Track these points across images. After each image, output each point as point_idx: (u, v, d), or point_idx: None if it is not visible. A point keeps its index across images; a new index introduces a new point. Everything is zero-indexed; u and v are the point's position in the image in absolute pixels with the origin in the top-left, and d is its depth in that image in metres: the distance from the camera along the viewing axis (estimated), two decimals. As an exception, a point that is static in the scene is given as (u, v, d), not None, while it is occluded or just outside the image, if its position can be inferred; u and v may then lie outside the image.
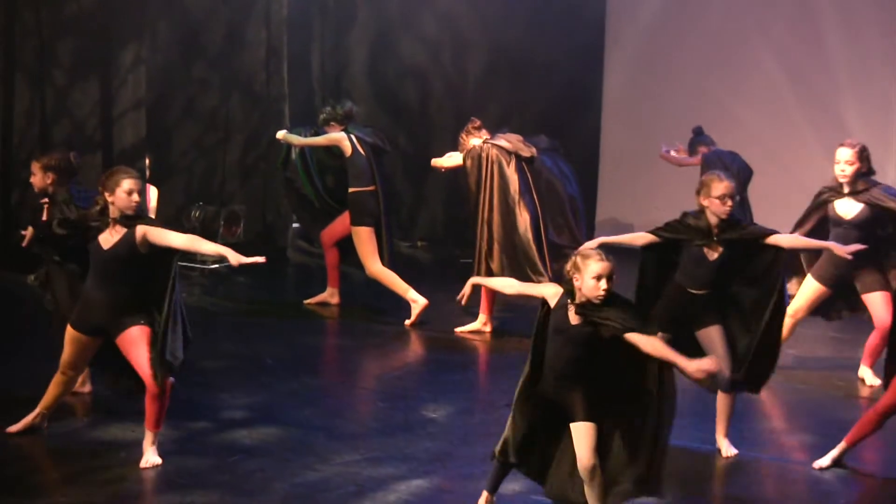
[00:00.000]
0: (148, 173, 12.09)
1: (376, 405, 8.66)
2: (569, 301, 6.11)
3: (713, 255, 7.40)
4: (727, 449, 7.56)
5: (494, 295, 10.45)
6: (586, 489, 6.18)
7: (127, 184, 7.09)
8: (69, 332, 7.29)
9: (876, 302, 9.00)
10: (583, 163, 12.89)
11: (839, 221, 8.97)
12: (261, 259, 7.00)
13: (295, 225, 13.83)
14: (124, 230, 7.09)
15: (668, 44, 13.99)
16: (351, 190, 10.75)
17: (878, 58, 12.76)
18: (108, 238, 7.10)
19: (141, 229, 7.08)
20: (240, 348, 9.78)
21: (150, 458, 7.10)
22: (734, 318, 7.48)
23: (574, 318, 6.11)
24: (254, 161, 13.58)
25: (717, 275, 7.40)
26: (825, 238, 8.79)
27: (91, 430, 7.72)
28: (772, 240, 7.41)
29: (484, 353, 10.13)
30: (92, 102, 12.22)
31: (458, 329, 10.45)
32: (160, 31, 13.00)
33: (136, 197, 7.10)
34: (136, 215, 7.14)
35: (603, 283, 6.01)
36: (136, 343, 7.08)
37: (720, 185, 7.40)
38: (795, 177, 12.86)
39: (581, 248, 6.26)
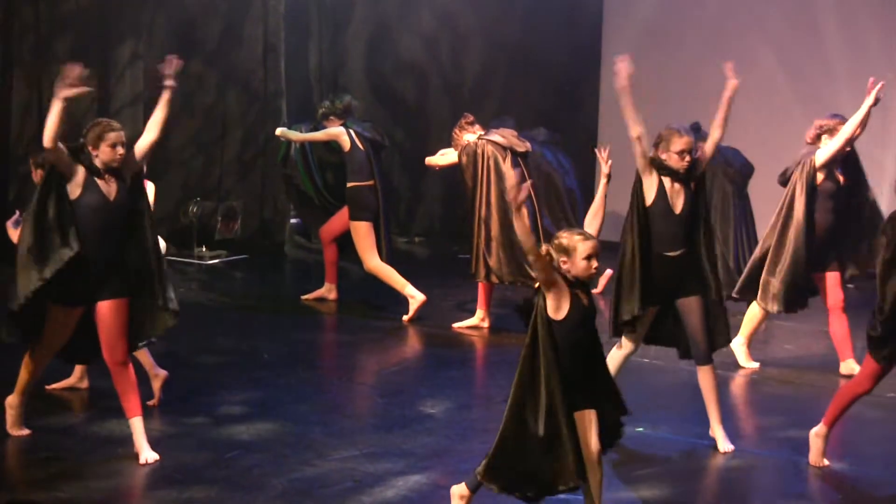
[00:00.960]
0: (145, 169, 12.07)
1: (374, 401, 8.67)
2: (573, 287, 6.06)
3: (678, 208, 7.43)
4: (724, 444, 7.56)
5: (492, 291, 10.45)
6: (593, 477, 6.05)
7: (111, 137, 7.13)
8: (51, 309, 7.17)
9: (829, 282, 9.07)
10: (580, 157, 12.87)
11: (837, 188, 9.03)
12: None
13: (293, 221, 13.84)
14: (114, 178, 7.16)
15: (666, 39, 13.98)
16: (349, 185, 10.75)
17: (876, 54, 12.74)
18: (109, 189, 7.13)
19: (125, 168, 7.22)
20: (237, 344, 9.79)
21: (149, 454, 7.10)
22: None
23: (585, 299, 6.09)
24: (251, 157, 13.57)
25: (686, 229, 7.43)
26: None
27: (88, 425, 7.73)
28: (701, 153, 7.62)
29: (482, 349, 10.13)
30: (89, 98, 12.18)
31: (455, 325, 10.45)
32: (157, 28, 12.99)
33: (120, 150, 7.15)
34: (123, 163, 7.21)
35: (594, 262, 6.03)
36: (110, 315, 7.09)
37: (680, 141, 7.47)
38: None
39: (559, 233, 6.20)
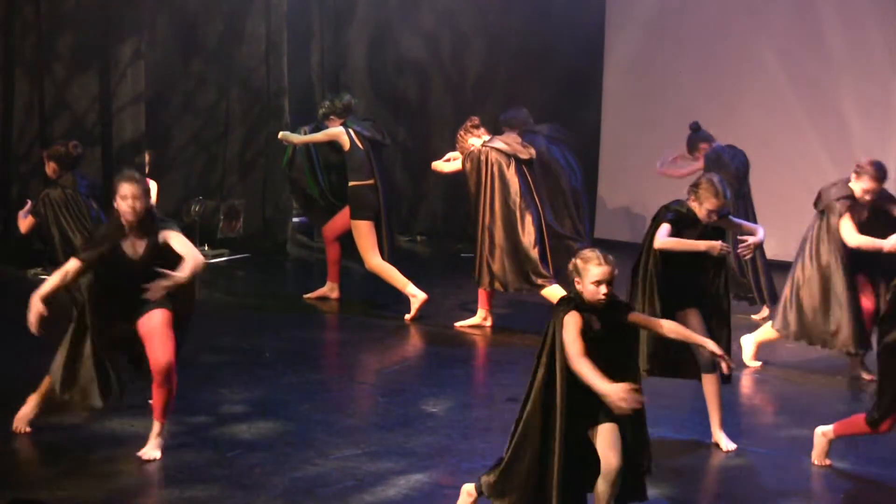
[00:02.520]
0: (147, 168, 12.10)
1: (376, 400, 8.66)
2: (579, 309, 5.98)
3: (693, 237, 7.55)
4: (726, 443, 7.57)
5: (493, 294, 10.44)
6: (607, 491, 6.00)
7: (123, 189, 7.02)
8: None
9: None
10: (583, 155, 12.89)
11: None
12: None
13: (295, 219, 13.84)
14: (146, 238, 7.08)
15: (668, 37, 13.98)
16: (350, 184, 10.76)
17: (877, 53, 12.74)
18: (133, 248, 7.08)
19: (163, 235, 7.09)
20: (239, 343, 9.79)
21: (150, 451, 7.10)
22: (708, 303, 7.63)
23: (596, 324, 6.01)
24: (253, 156, 13.57)
25: (694, 256, 7.49)
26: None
27: (90, 424, 7.72)
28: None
29: (484, 348, 10.13)
30: (91, 97, 12.22)
31: (457, 324, 10.45)
32: (159, 26, 13.00)
33: (131, 202, 6.99)
34: (152, 220, 7.10)
35: (603, 288, 5.95)
36: (157, 327, 7.09)
37: (714, 201, 7.49)
38: (795, 170, 12.87)
39: (582, 251, 6.19)
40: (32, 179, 11.74)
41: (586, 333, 5.94)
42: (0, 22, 11.97)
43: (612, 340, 6.04)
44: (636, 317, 6.16)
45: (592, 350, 5.92)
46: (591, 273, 5.97)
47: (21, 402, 7.56)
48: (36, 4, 11.97)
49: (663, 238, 7.47)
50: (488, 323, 10.42)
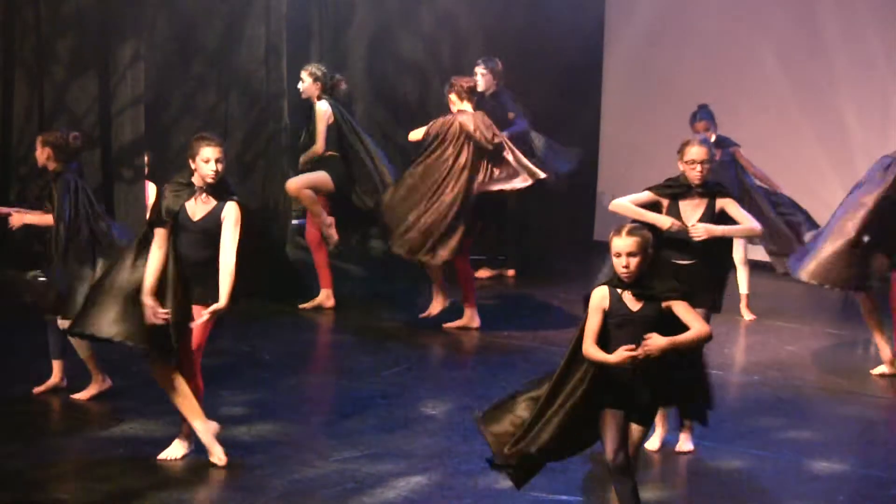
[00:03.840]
0: (147, 170, 12.10)
1: (375, 402, 8.66)
2: (619, 289, 5.85)
3: (691, 222, 7.33)
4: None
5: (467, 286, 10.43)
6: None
7: (206, 152, 7.06)
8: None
9: None
10: (582, 157, 12.89)
11: None
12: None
13: (294, 221, 13.83)
14: (213, 203, 7.18)
15: (668, 38, 13.98)
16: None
17: (877, 58, 12.74)
18: (195, 209, 7.16)
19: (229, 208, 7.24)
20: (238, 345, 9.77)
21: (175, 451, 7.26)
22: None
23: (634, 304, 5.84)
24: (253, 157, 13.56)
25: (699, 241, 7.35)
26: None
27: (89, 426, 7.73)
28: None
29: (483, 350, 10.12)
30: (90, 99, 12.21)
31: (446, 325, 10.39)
32: (158, 28, 12.98)
33: (213, 165, 7.08)
34: (225, 188, 7.22)
35: (622, 260, 5.80)
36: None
37: (690, 151, 7.37)
38: (794, 173, 12.85)
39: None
40: (32, 182, 11.73)
41: (613, 313, 5.83)
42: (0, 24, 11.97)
43: (645, 323, 5.80)
44: (675, 306, 5.84)
45: (622, 330, 5.82)
46: (613, 245, 5.86)
47: (20, 401, 7.57)
48: (35, 6, 11.96)
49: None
50: (476, 324, 10.39)
